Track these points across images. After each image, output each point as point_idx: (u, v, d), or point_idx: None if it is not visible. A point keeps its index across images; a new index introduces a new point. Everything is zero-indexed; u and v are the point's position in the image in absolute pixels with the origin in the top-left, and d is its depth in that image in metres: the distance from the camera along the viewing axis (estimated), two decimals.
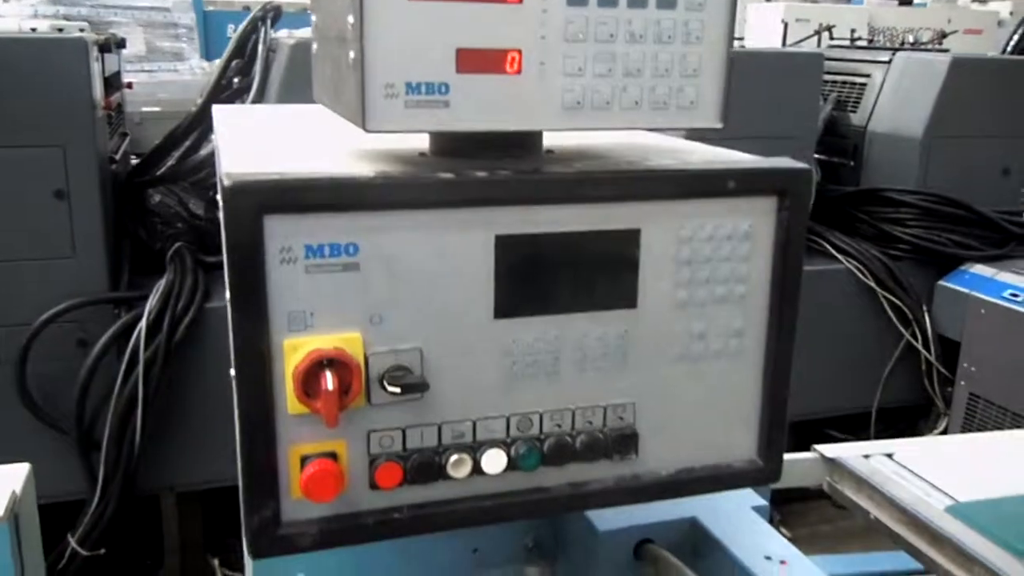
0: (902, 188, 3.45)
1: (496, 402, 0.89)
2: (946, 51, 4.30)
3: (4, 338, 2.39)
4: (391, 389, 0.83)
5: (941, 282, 3.33)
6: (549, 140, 0.96)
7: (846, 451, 1.56)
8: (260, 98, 2.77)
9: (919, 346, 3.32)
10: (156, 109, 3.51)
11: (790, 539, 1.25)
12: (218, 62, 2.91)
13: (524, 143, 0.92)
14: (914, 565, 1.40)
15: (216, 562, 2.85)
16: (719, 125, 0.89)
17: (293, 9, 3.70)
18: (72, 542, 2.44)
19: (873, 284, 3.27)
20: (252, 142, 1.08)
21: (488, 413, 0.89)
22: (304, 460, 0.83)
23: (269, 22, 2.87)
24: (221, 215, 0.78)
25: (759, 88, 2.97)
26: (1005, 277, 3.16)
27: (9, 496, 1.22)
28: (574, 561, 1.29)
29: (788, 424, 1.00)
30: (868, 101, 3.72)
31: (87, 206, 2.42)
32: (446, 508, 0.89)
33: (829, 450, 1.56)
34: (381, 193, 0.81)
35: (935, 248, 3.34)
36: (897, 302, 3.29)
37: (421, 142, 0.94)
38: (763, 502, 1.32)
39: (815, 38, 4.83)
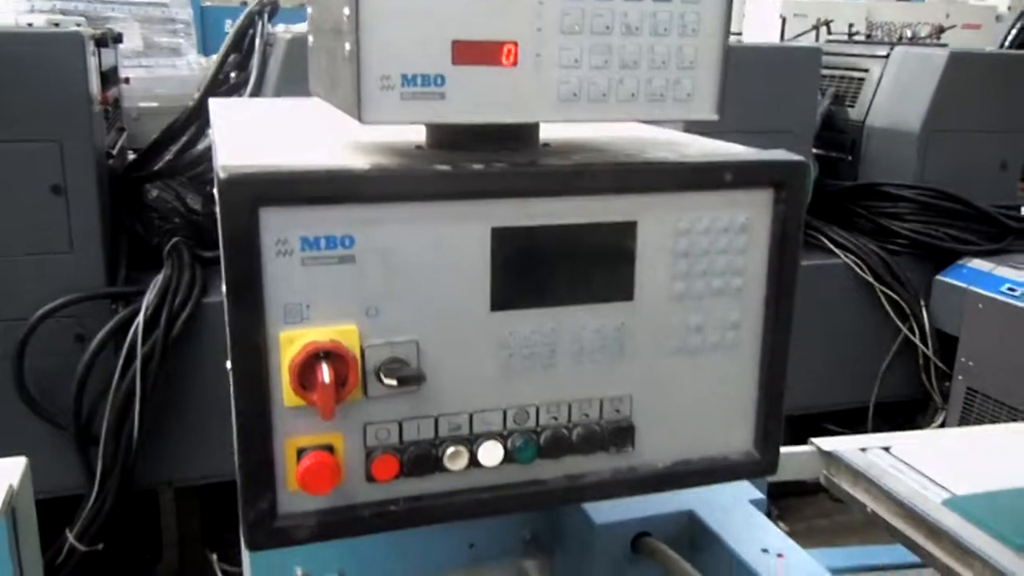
0: (900, 183, 3.45)
1: (493, 394, 0.89)
2: (944, 46, 4.29)
3: (1, 333, 2.39)
4: (387, 381, 0.83)
5: (939, 277, 3.34)
6: (545, 133, 0.96)
7: (843, 444, 1.56)
8: (257, 93, 2.77)
9: (917, 341, 3.32)
10: (153, 104, 3.50)
11: (787, 533, 1.25)
12: (215, 57, 2.91)
13: (520, 136, 0.92)
14: (911, 558, 1.40)
15: (214, 557, 2.85)
16: (715, 117, 0.89)
17: (290, 4, 3.70)
18: (70, 537, 2.44)
19: (871, 279, 3.28)
20: (248, 135, 1.08)
21: (485, 406, 0.89)
22: (300, 452, 0.83)
23: (266, 17, 2.87)
24: (217, 207, 0.77)
25: (757, 83, 2.97)
26: (1003, 271, 3.16)
27: (6, 490, 1.22)
28: (571, 555, 1.29)
29: (786, 419, 1.00)
30: (866, 96, 3.72)
31: (84, 201, 2.42)
32: (443, 501, 0.89)
33: (826, 443, 1.56)
34: (377, 185, 0.81)
35: (933, 243, 3.35)
36: (895, 297, 3.29)
37: (418, 135, 0.94)
38: (760, 495, 1.32)
39: (813, 33, 4.82)
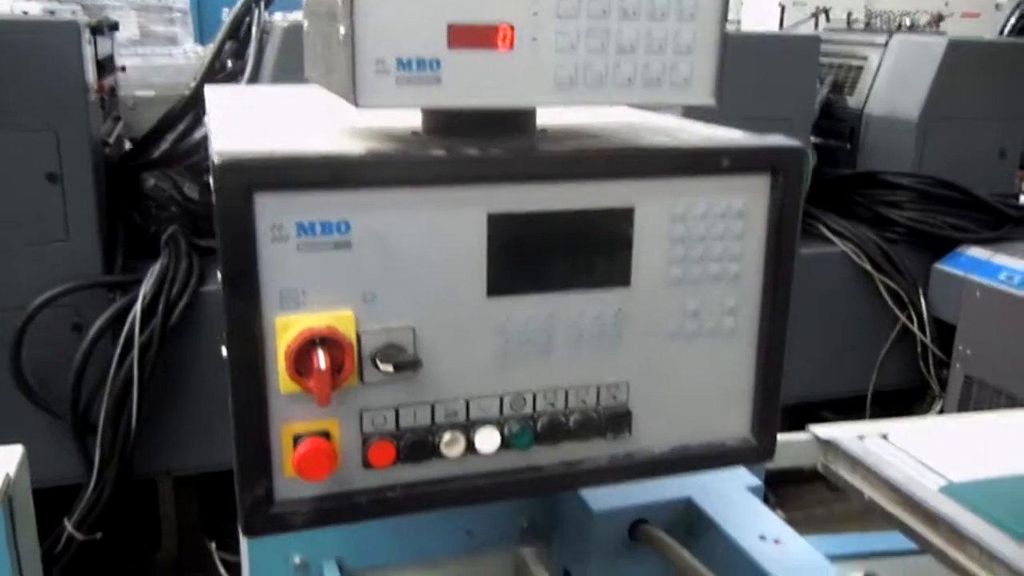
0: (898, 171, 3.45)
1: (489, 381, 0.89)
2: (943, 34, 4.28)
3: None
4: (384, 367, 0.83)
5: (937, 265, 3.34)
6: (542, 120, 0.95)
7: (840, 432, 1.56)
8: (254, 81, 2.76)
9: (915, 329, 3.32)
10: (150, 93, 3.48)
11: (785, 521, 1.25)
12: (212, 46, 2.90)
13: (517, 121, 0.92)
14: (908, 545, 1.40)
15: (213, 546, 2.86)
16: (713, 102, 0.88)
17: None
18: (69, 526, 2.44)
19: (869, 267, 3.27)
20: (244, 121, 1.07)
21: (481, 392, 0.89)
22: (297, 439, 0.83)
23: (263, 4, 2.86)
24: (213, 193, 0.77)
25: (756, 71, 2.96)
26: (1001, 260, 3.16)
27: (2, 479, 1.22)
28: (569, 542, 1.29)
29: (783, 408, 1.00)
30: (865, 84, 3.71)
31: (80, 190, 2.41)
32: (439, 487, 0.89)
33: (824, 431, 1.56)
34: (373, 170, 0.81)
35: (931, 231, 3.34)
36: (893, 285, 3.29)
37: (414, 121, 0.94)
38: (758, 483, 1.32)
39: (812, 21, 4.81)
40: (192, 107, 2.77)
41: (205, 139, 2.76)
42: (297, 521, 0.85)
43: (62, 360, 2.39)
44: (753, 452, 1.00)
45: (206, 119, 1.10)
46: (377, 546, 1.27)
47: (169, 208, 2.83)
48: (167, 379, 2.49)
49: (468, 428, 0.88)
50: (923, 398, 3.47)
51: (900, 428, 1.58)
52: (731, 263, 0.94)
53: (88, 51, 2.51)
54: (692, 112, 0.94)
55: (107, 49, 3.08)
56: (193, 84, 2.81)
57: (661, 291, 0.92)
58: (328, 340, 0.80)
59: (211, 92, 1.31)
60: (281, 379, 0.80)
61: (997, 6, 5.81)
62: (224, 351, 0.81)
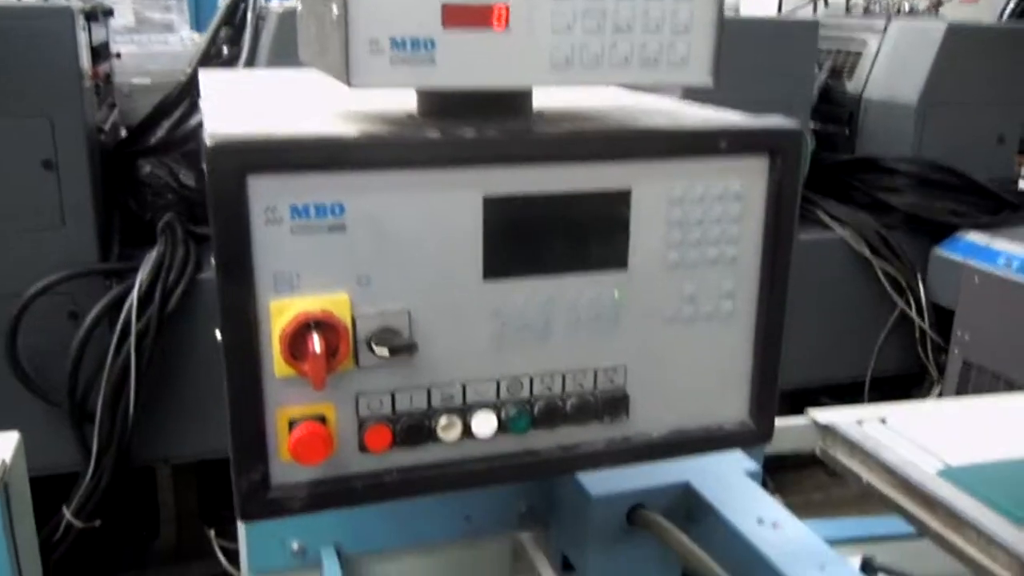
0: (897, 156, 3.44)
1: (486, 364, 0.88)
2: (942, 19, 4.27)
3: None
4: (379, 351, 0.82)
5: (935, 250, 3.33)
6: (538, 102, 0.94)
7: (839, 416, 1.56)
8: (250, 67, 2.75)
9: (913, 314, 3.32)
10: (146, 80, 3.46)
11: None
12: (208, 32, 2.89)
13: (513, 103, 0.91)
14: (907, 529, 1.40)
15: (212, 533, 2.86)
16: (710, 81, 0.87)
17: None
18: (67, 514, 2.44)
19: (867, 252, 3.27)
20: (237, 104, 1.07)
21: (478, 375, 0.88)
22: (292, 423, 0.83)
23: None
24: (205, 176, 0.76)
25: (754, 56, 2.95)
26: (1000, 245, 3.16)
27: None
28: (567, 527, 1.29)
29: (782, 393, 1.00)
30: (863, 69, 3.69)
31: (76, 177, 2.40)
32: (436, 471, 0.89)
33: (822, 415, 1.56)
34: (367, 152, 0.80)
35: (930, 216, 3.34)
36: (891, 270, 3.29)
37: (410, 103, 0.93)
38: (756, 467, 1.31)
39: (810, 6, 4.79)
40: (188, 94, 2.76)
41: (201, 126, 2.76)
42: (294, 506, 0.84)
43: (59, 348, 2.38)
44: (751, 435, 1.00)
45: (200, 103, 1.09)
46: (375, 531, 1.26)
47: (165, 195, 2.82)
48: (164, 366, 2.49)
49: (465, 412, 0.88)
50: (922, 384, 3.47)
51: (898, 412, 1.58)
52: (729, 246, 0.93)
53: (83, 37, 2.49)
54: (690, 96, 0.93)
55: (102, 36, 3.06)
56: (189, 71, 2.80)
57: (659, 274, 0.92)
58: (323, 324, 0.79)
59: (205, 76, 1.30)
60: (276, 363, 0.80)
61: None
62: (219, 335, 0.80)
